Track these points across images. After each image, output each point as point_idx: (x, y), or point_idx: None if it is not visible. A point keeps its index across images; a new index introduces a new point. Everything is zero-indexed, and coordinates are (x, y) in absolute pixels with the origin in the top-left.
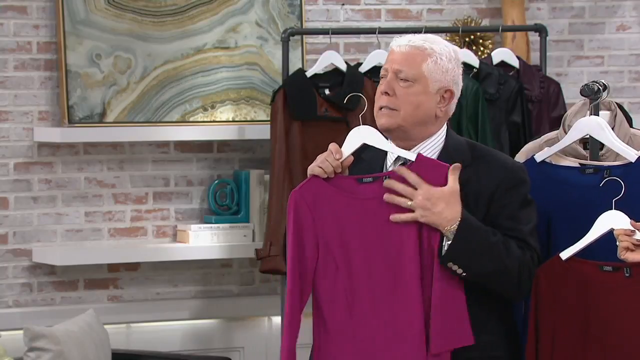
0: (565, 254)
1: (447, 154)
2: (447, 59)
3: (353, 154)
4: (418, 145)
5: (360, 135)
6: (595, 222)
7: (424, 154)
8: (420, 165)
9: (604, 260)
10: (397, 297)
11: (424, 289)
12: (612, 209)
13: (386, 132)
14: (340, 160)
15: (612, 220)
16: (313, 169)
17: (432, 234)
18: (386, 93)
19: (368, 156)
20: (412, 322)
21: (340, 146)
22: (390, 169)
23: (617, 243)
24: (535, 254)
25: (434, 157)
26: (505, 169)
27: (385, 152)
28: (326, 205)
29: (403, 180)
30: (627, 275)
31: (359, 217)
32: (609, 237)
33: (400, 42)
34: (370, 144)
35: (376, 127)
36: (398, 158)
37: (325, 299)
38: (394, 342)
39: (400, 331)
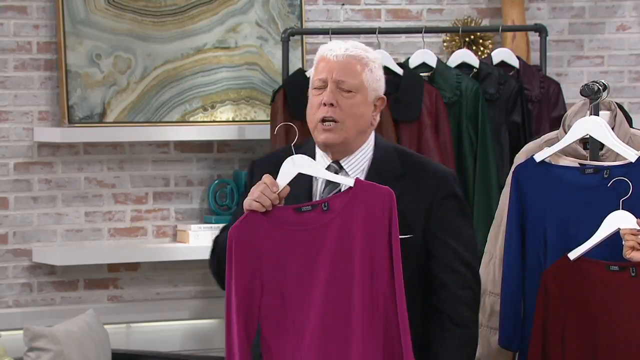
0: (573, 254)
1: (376, 165)
2: (378, 66)
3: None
4: (347, 158)
5: (295, 166)
6: (603, 222)
7: (354, 166)
8: (360, 190)
9: (608, 260)
10: (347, 324)
11: (373, 315)
12: (611, 209)
13: (327, 148)
14: (277, 192)
15: (620, 220)
16: (251, 204)
17: (375, 259)
18: (330, 104)
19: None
20: (364, 352)
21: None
22: (324, 196)
23: (623, 242)
24: (476, 272)
25: (363, 169)
26: (438, 177)
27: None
28: (265, 240)
29: (343, 204)
30: (633, 274)
31: (302, 248)
32: (613, 237)
33: (337, 51)
34: (307, 174)
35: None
36: (328, 181)
37: (272, 334)
38: None
39: None
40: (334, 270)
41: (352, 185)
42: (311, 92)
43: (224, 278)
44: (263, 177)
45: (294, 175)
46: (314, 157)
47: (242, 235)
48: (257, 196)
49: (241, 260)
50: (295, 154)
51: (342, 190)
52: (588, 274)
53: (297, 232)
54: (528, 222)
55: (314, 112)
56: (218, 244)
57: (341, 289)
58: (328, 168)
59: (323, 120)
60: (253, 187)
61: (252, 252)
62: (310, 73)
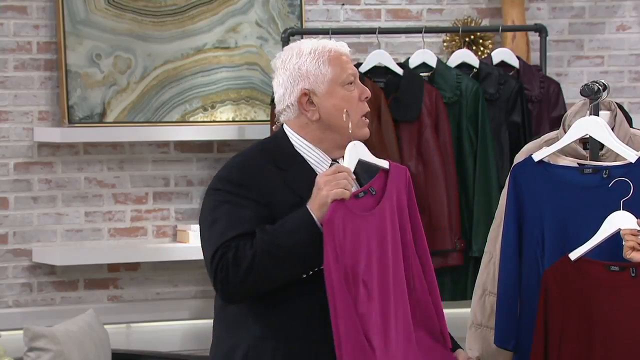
0: (574, 255)
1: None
2: None
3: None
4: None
5: (357, 152)
6: (604, 223)
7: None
8: (393, 171)
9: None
10: (404, 310)
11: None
12: (610, 209)
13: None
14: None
15: (621, 221)
16: (344, 193)
17: (410, 243)
18: (366, 98)
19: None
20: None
21: None
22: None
23: (624, 243)
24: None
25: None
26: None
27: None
28: (352, 227)
29: (382, 185)
30: (633, 275)
31: (376, 232)
32: (613, 237)
33: (345, 48)
34: (365, 160)
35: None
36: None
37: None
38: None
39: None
40: (395, 248)
41: (387, 167)
42: (342, 88)
43: (265, 283)
44: (337, 166)
45: (356, 161)
46: (299, 157)
47: (337, 226)
48: (345, 185)
49: (343, 250)
50: (272, 154)
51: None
52: (588, 274)
53: (368, 217)
54: (525, 221)
55: (355, 106)
56: (257, 250)
57: (400, 263)
58: (331, 166)
59: (365, 115)
60: (326, 177)
61: (346, 242)
62: (323, 71)
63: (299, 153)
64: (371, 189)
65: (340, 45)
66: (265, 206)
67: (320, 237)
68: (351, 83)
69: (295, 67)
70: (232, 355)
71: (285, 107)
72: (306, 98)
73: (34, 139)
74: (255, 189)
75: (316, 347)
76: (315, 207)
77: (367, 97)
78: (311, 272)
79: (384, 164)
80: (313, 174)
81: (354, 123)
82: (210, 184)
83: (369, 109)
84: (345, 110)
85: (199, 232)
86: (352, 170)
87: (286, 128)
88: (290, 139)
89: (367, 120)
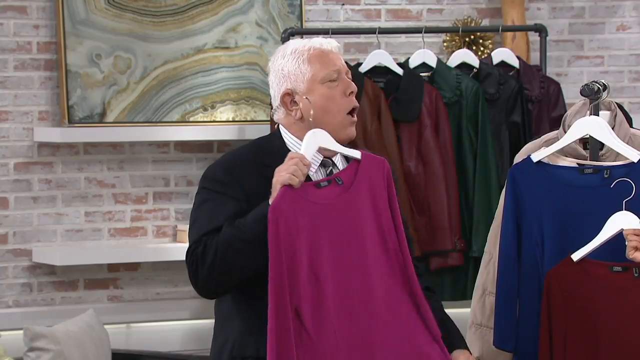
0: (577, 255)
1: (346, 158)
2: None
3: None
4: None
5: (316, 139)
6: (607, 223)
7: (339, 160)
8: (365, 162)
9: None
10: (370, 300)
11: (390, 289)
12: (612, 209)
13: (348, 142)
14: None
15: (623, 221)
16: (291, 178)
17: (389, 233)
18: (352, 93)
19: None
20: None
21: None
22: (334, 170)
23: (626, 243)
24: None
25: (343, 161)
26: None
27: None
28: (302, 215)
29: (352, 176)
30: (636, 275)
31: (333, 222)
32: (616, 238)
33: (331, 44)
34: (326, 147)
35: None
36: (323, 169)
37: (304, 309)
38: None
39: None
40: (355, 244)
41: (359, 157)
42: (322, 85)
43: (230, 276)
44: (290, 153)
45: (316, 149)
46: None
47: (283, 212)
48: (293, 170)
49: (285, 237)
50: (262, 151)
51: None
52: (591, 275)
53: (326, 207)
54: (524, 222)
55: (338, 102)
56: (220, 243)
57: (362, 263)
58: (322, 164)
59: (352, 110)
60: (281, 165)
61: (292, 228)
62: (302, 70)
63: (290, 150)
64: (337, 179)
65: (325, 42)
66: (245, 203)
67: None
68: (334, 80)
69: (279, 68)
70: (222, 350)
71: (275, 107)
72: (289, 98)
73: (34, 139)
74: (237, 187)
75: None
76: (271, 197)
77: (352, 92)
78: None
79: (355, 154)
80: None
81: (337, 123)
82: (199, 182)
83: (356, 104)
84: (310, 112)
85: None
86: (309, 158)
87: (281, 126)
88: (284, 137)
89: (354, 119)
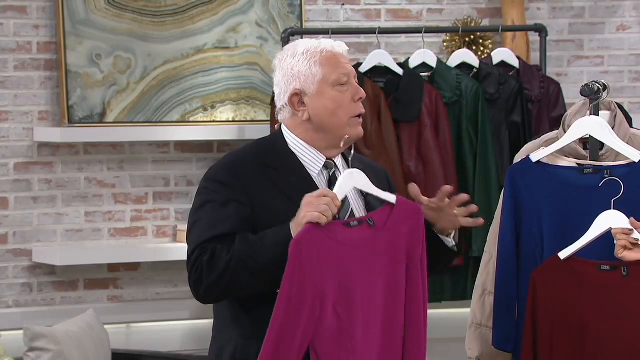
0: (564, 254)
1: (345, 158)
2: None
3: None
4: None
5: (352, 180)
6: (594, 222)
7: (339, 161)
8: (400, 207)
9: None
10: (391, 342)
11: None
12: (609, 209)
13: (347, 144)
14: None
15: (611, 220)
16: (320, 218)
17: (416, 285)
18: (360, 99)
19: (279, 165)
20: None
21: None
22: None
23: (615, 242)
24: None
25: (344, 163)
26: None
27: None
28: (327, 254)
29: (385, 220)
30: (624, 274)
31: (359, 264)
32: (605, 236)
33: (342, 47)
34: (360, 189)
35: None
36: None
37: (326, 351)
38: None
39: None
40: (389, 286)
41: (393, 202)
42: (332, 89)
43: (236, 290)
44: (322, 190)
45: (349, 190)
46: (292, 156)
47: (305, 248)
48: (324, 210)
49: (302, 274)
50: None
51: (355, 202)
52: (578, 273)
53: (354, 248)
54: (524, 222)
55: (346, 107)
56: (233, 258)
57: (394, 304)
58: (325, 165)
59: (358, 116)
60: (309, 198)
61: (314, 266)
62: (314, 71)
63: (293, 152)
64: (369, 220)
65: (337, 45)
66: (248, 206)
67: None
68: (344, 84)
69: (289, 67)
70: (222, 353)
71: (281, 106)
72: (297, 98)
73: (34, 139)
74: (239, 189)
75: None
76: (294, 226)
77: (360, 98)
78: None
79: (391, 198)
80: (304, 172)
81: (343, 122)
82: (200, 183)
83: (363, 110)
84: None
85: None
86: (341, 198)
87: (283, 127)
88: (286, 138)
89: (360, 120)
